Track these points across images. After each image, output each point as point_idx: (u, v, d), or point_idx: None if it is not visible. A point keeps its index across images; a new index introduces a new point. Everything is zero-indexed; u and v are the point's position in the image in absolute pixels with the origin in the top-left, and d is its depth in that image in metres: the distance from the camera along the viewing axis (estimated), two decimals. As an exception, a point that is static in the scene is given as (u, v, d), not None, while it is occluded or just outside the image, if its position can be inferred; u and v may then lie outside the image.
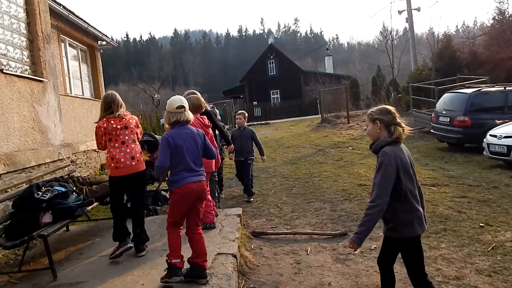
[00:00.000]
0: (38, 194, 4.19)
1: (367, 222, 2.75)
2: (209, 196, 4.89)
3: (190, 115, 3.60)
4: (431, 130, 11.68)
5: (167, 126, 3.62)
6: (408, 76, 19.80)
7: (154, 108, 25.13)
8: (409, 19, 20.34)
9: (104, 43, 12.58)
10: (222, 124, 6.61)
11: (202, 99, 4.84)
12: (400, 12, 20.54)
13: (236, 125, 7.58)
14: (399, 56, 19.30)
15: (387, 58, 25.30)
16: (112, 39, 13.47)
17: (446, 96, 11.55)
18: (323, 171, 8.76)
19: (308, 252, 4.70)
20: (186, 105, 3.57)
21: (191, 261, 3.51)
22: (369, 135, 3.01)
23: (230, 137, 6.56)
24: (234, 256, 4.11)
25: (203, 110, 4.95)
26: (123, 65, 72.13)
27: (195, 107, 4.57)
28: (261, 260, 4.56)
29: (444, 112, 10.94)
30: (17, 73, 6.02)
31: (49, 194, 4.23)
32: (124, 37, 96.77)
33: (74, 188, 4.86)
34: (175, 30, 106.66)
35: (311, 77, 32.88)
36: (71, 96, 9.93)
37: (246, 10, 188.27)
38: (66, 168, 5.99)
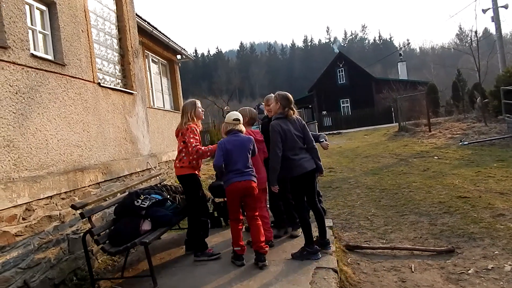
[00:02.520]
0: (137, 201, 4.27)
1: (270, 171, 4.22)
2: (265, 213, 4.75)
3: (242, 127, 4.35)
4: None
5: (223, 134, 4.42)
6: (496, 79, 18.13)
7: (223, 120, 25.65)
8: (495, 18, 18.76)
9: (180, 57, 13.02)
10: None
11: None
12: (484, 11, 19.04)
13: None
14: (486, 58, 17.73)
15: (466, 62, 23.45)
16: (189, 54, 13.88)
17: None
18: (411, 182, 8.17)
19: (413, 270, 4.30)
20: (241, 119, 4.37)
21: (252, 248, 4.19)
22: (272, 109, 4.59)
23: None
24: (335, 271, 3.85)
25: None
26: (192, 80, 74.76)
27: (253, 119, 4.99)
28: (361, 276, 4.24)
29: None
30: (111, 86, 6.31)
31: (147, 202, 4.29)
32: (193, 53, 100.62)
33: (168, 196, 4.89)
34: (241, 43, 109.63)
35: (384, 85, 31.60)
36: (154, 108, 10.32)
37: (312, 19, 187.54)
38: (158, 177, 6.12)
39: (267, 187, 4.92)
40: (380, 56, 58.72)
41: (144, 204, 4.26)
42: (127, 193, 4.81)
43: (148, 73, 10.36)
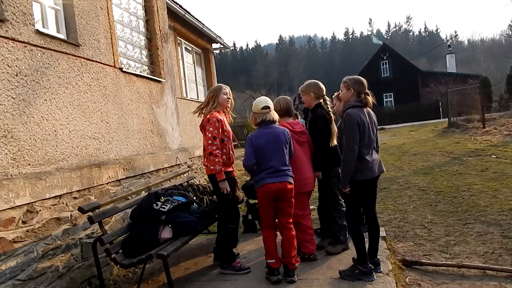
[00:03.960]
0: (157, 204, 3.65)
1: (343, 172, 3.43)
2: (309, 223, 4.05)
3: (275, 116, 3.73)
4: None
5: (254, 126, 3.78)
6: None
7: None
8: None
9: (216, 45, 12.42)
10: None
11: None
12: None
13: None
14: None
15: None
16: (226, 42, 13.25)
17: None
18: (471, 184, 7.15)
19: (491, 297, 3.43)
20: (271, 106, 3.74)
21: (281, 260, 3.61)
22: (342, 98, 3.68)
23: None
24: (395, 298, 3.06)
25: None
26: (230, 73, 74.46)
27: (285, 110, 4.21)
28: (425, 303, 3.42)
29: None
30: (136, 72, 5.74)
31: (168, 205, 3.67)
32: (232, 47, 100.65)
33: (194, 197, 4.25)
34: (280, 36, 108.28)
35: (431, 78, 29.77)
36: (187, 100, 9.79)
37: (353, 11, 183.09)
38: (185, 175, 5.51)
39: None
40: (426, 49, 55.92)
41: (165, 208, 3.64)
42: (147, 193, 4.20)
43: (180, 61, 9.82)
